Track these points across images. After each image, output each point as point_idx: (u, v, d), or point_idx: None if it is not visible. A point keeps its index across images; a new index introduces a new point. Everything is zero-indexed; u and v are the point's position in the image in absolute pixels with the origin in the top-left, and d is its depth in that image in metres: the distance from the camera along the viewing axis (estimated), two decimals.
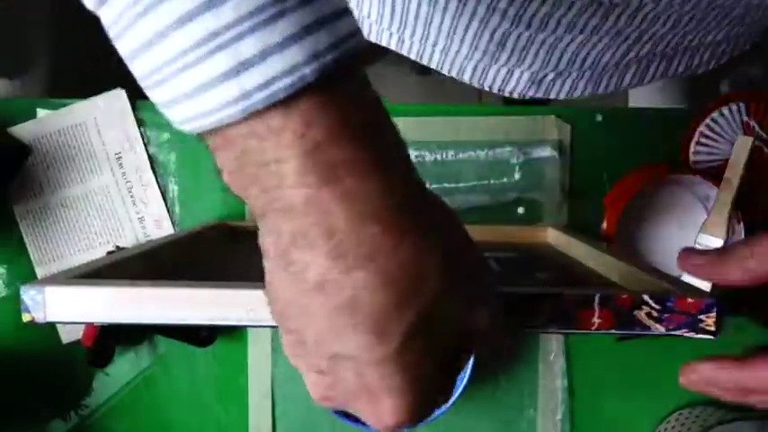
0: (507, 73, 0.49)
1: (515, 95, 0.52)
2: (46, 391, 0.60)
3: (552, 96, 0.51)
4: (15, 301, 0.58)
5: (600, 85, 0.50)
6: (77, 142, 0.60)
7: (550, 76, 0.49)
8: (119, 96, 0.59)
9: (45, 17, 0.52)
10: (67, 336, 0.59)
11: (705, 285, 0.57)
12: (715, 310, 0.30)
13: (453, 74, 0.51)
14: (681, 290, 0.31)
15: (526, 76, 0.49)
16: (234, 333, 0.60)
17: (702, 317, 0.30)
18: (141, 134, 0.60)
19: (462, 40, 0.48)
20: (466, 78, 0.51)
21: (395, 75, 1.33)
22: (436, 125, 0.60)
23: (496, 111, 0.60)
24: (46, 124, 0.59)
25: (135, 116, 0.60)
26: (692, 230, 0.59)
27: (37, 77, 1.18)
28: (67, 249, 0.60)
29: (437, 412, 0.52)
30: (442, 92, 1.33)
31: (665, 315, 0.30)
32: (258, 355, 0.60)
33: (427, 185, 0.61)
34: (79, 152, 0.60)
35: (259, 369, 0.60)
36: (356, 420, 0.53)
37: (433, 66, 0.52)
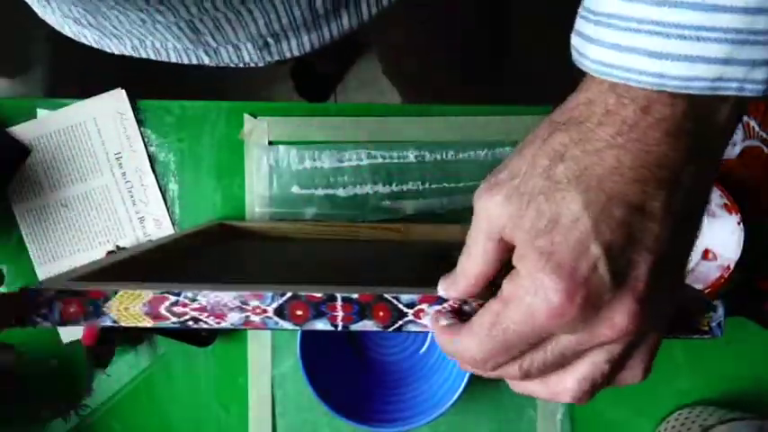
0: (234, 48, 0.50)
1: (257, 64, 0.52)
2: (46, 391, 0.60)
3: (288, 56, 0.52)
4: None
5: (324, 35, 0.50)
6: (77, 142, 0.60)
7: (270, 40, 0.49)
8: (119, 96, 0.60)
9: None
10: (67, 336, 0.60)
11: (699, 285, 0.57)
12: (710, 311, 0.30)
13: (195, 62, 0.52)
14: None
15: (250, 46, 0.50)
16: (234, 333, 0.60)
17: (697, 317, 0.30)
18: (141, 134, 0.60)
19: (166, 35, 0.48)
20: (206, 62, 0.52)
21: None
22: (436, 125, 0.60)
23: (496, 111, 0.60)
24: (46, 124, 0.59)
25: (135, 116, 0.60)
26: None
27: (37, 77, 1.18)
28: (67, 249, 0.60)
29: (437, 412, 0.52)
30: None
31: None
32: (258, 355, 0.60)
33: (427, 186, 0.61)
34: (79, 152, 0.60)
35: (259, 369, 0.60)
36: (356, 420, 0.53)
37: (173, 61, 0.52)
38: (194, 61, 0.52)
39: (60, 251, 0.60)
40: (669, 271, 0.26)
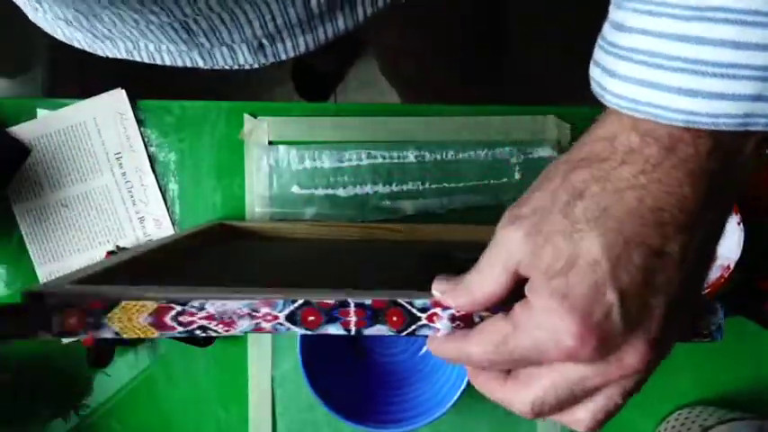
0: (229, 50, 0.50)
1: (252, 66, 0.52)
2: (46, 391, 0.60)
3: (284, 57, 0.52)
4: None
5: (319, 36, 0.50)
6: (77, 142, 0.60)
7: (265, 41, 0.49)
8: (119, 96, 0.60)
9: None
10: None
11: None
12: (710, 314, 0.30)
13: (189, 65, 0.51)
14: None
15: (245, 48, 0.49)
16: None
17: (697, 321, 0.30)
18: (141, 134, 0.60)
19: (159, 36, 0.48)
20: (201, 65, 0.51)
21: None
22: (436, 125, 0.60)
23: (497, 111, 0.60)
24: (46, 124, 0.59)
25: (135, 116, 0.60)
26: None
27: (37, 77, 1.18)
28: (67, 249, 0.60)
29: (438, 413, 0.52)
30: None
31: None
32: (258, 355, 0.60)
33: (427, 186, 0.61)
34: (79, 152, 0.60)
35: (259, 369, 0.60)
36: (356, 421, 0.53)
37: (167, 64, 0.52)
38: (189, 64, 0.51)
39: (60, 251, 0.60)
40: (682, 311, 0.26)
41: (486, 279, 0.27)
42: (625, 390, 0.27)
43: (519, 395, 0.27)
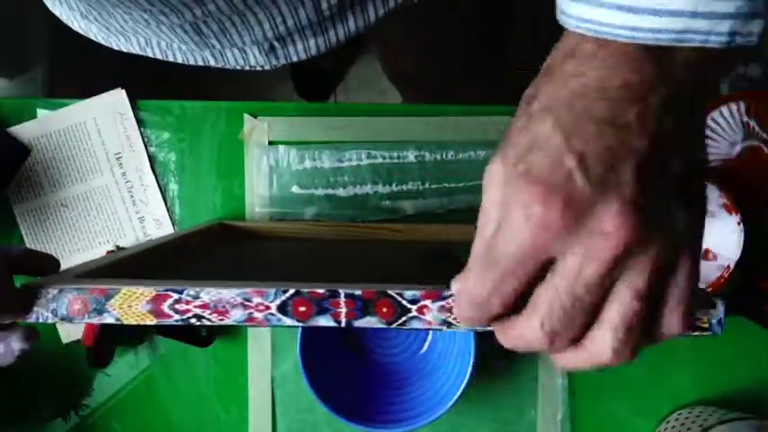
0: (240, 52, 0.50)
1: (263, 68, 0.52)
2: (46, 391, 0.60)
3: (295, 59, 0.52)
4: None
5: (330, 38, 0.50)
6: (77, 142, 0.60)
7: (276, 44, 0.49)
8: (119, 96, 0.60)
9: (45, 17, 0.52)
10: (67, 336, 0.60)
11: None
12: (710, 308, 0.30)
13: (201, 63, 0.52)
14: None
15: (255, 50, 0.50)
16: (234, 333, 0.60)
17: (698, 314, 0.30)
18: (141, 134, 0.60)
19: (171, 36, 0.48)
20: (212, 64, 0.52)
21: None
22: (436, 125, 0.60)
23: (497, 111, 0.60)
24: (46, 124, 0.59)
25: (135, 116, 0.60)
26: None
27: (37, 77, 1.18)
28: (68, 249, 0.60)
29: (438, 413, 0.52)
30: None
31: None
32: (258, 355, 0.60)
33: (427, 186, 0.61)
34: (79, 152, 0.60)
35: (259, 369, 0.60)
36: (356, 421, 0.53)
37: (179, 61, 0.52)
38: (200, 63, 0.52)
39: (60, 251, 0.60)
40: (672, 179, 0.25)
41: (481, 227, 0.27)
42: (638, 289, 0.25)
43: (529, 323, 0.26)
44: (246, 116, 0.60)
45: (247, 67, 0.52)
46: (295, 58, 0.51)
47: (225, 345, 0.60)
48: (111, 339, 0.57)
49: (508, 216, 0.25)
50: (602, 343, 0.25)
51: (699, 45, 0.25)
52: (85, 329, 0.54)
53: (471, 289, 0.27)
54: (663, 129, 0.25)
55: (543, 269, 0.25)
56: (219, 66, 0.52)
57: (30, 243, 0.60)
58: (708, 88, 0.27)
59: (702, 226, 0.27)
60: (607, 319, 0.25)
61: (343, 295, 0.29)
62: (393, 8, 0.50)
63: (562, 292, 0.25)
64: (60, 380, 0.60)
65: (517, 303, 0.26)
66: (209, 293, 0.29)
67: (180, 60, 0.51)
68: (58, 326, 0.59)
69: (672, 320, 0.26)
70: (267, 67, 0.52)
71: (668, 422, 0.59)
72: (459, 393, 0.52)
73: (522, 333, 0.26)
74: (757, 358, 0.60)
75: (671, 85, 0.25)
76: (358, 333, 0.60)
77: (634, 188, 0.24)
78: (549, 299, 0.25)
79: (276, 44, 0.49)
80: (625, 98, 0.25)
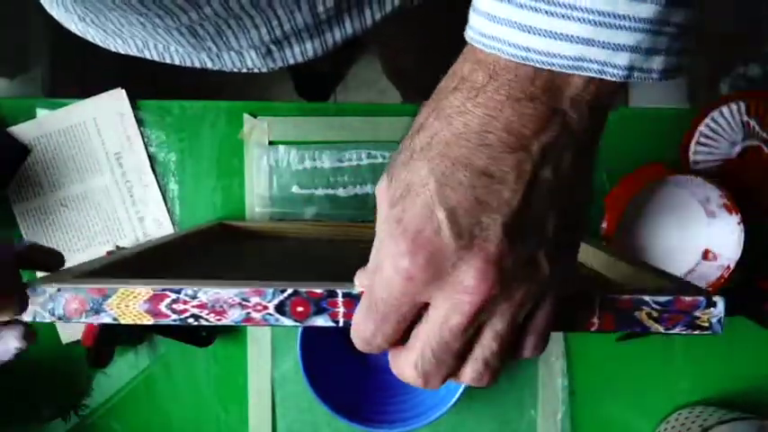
0: (237, 55, 0.50)
1: (261, 70, 0.52)
2: (46, 391, 0.60)
3: (292, 62, 0.51)
4: None
5: (327, 41, 0.50)
6: (77, 142, 0.60)
7: (273, 47, 0.49)
8: (119, 96, 0.59)
9: (45, 17, 0.52)
10: (67, 336, 0.60)
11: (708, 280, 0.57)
12: (710, 307, 0.30)
13: (198, 65, 0.52)
14: (679, 288, 0.32)
15: (253, 53, 0.50)
16: (234, 333, 0.60)
17: (698, 313, 0.30)
18: (141, 134, 0.60)
19: (167, 38, 0.48)
20: (210, 66, 0.52)
21: None
22: None
23: None
24: (46, 124, 0.59)
25: (135, 116, 0.60)
26: (691, 230, 0.59)
27: (37, 77, 1.18)
28: (67, 249, 0.60)
29: (437, 413, 0.52)
30: None
31: (665, 315, 0.30)
32: (258, 355, 0.60)
33: None
34: (79, 152, 0.60)
35: (259, 369, 0.60)
36: (356, 421, 0.53)
37: (176, 63, 0.52)
38: (197, 65, 0.52)
39: (60, 251, 0.60)
40: (531, 236, 0.25)
41: (374, 247, 0.27)
42: (495, 331, 0.26)
43: (406, 360, 0.27)
44: (246, 116, 0.60)
45: (245, 70, 0.52)
46: (292, 61, 0.51)
47: (225, 345, 0.60)
48: (111, 339, 0.57)
49: (381, 264, 0.26)
50: (465, 375, 0.28)
51: (593, 75, 0.24)
52: (85, 330, 0.54)
53: (358, 327, 0.28)
54: (540, 181, 0.25)
55: (421, 310, 0.27)
56: (216, 68, 0.52)
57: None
58: (594, 133, 0.26)
59: (572, 270, 0.28)
60: (471, 358, 0.27)
61: (340, 295, 0.29)
62: (390, 11, 0.50)
63: (432, 338, 0.26)
64: (60, 380, 0.60)
65: (404, 336, 0.28)
66: (207, 293, 0.29)
67: (177, 62, 0.51)
68: (58, 326, 0.59)
69: (527, 348, 0.28)
70: (264, 70, 0.52)
71: (668, 422, 0.59)
72: (459, 393, 0.52)
73: (402, 370, 0.28)
74: (757, 358, 0.60)
75: (555, 130, 0.25)
76: None
77: (499, 245, 0.24)
78: (422, 344, 0.27)
79: (273, 47, 0.49)
80: (506, 145, 0.24)
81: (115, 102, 0.59)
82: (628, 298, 0.30)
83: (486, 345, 0.27)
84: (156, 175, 0.60)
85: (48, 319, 0.30)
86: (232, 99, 0.61)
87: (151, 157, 0.60)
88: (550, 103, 0.24)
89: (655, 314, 0.30)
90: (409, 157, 0.26)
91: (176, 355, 0.60)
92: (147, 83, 0.65)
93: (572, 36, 0.23)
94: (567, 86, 0.24)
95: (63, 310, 0.30)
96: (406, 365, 0.27)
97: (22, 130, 0.59)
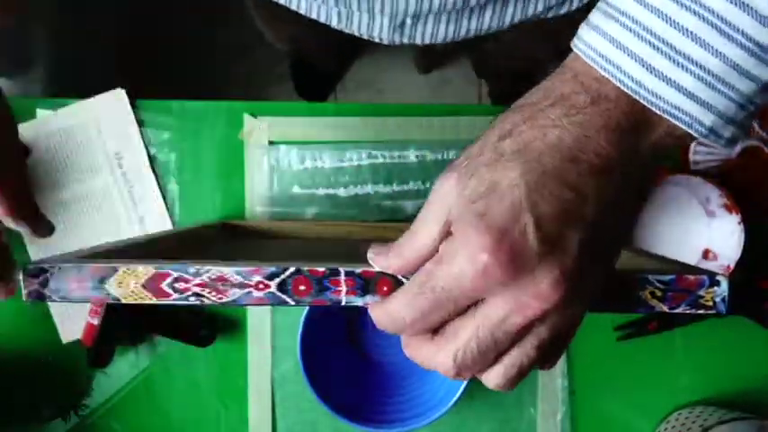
0: (369, 18, 0.49)
1: (383, 41, 0.52)
2: (46, 391, 0.60)
3: (418, 41, 0.51)
4: (15, 301, 0.58)
5: (461, 29, 0.50)
6: (77, 142, 0.60)
7: (408, 21, 0.49)
8: (119, 96, 0.59)
9: (45, 17, 0.52)
10: (67, 336, 0.59)
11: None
12: (714, 286, 0.30)
13: (323, 20, 0.51)
14: (682, 269, 0.32)
15: (386, 21, 0.49)
16: (234, 333, 0.60)
17: (702, 292, 0.30)
18: (141, 134, 0.60)
19: None
20: (334, 24, 0.51)
21: (397, 74, 1.33)
22: (436, 125, 0.60)
23: (496, 111, 0.60)
24: (46, 124, 0.59)
25: (135, 116, 0.60)
26: (691, 230, 0.59)
27: (37, 77, 1.18)
28: (68, 249, 0.60)
29: (437, 413, 0.52)
30: (442, 92, 1.33)
31: (669, 294, 0.30)
32: (258, 355, 0.60)
33: (428, 186, 0.61)
34: (79, 152, 0.60)
35: (259, 369, 0.60)
36: (356, 421, 0.53)
37: (301, 12, 0.52)
38: (322, 19, 0.51)
39: (60, 251, 0.60)
40: (599, 256, 0.27)
41: (416, 235, 0.27)
42: (540, 339, 0.27)
43: (443, 349, 0.27)
44: (246, 116, 0.60)
45: (366, 36, 0.51)
46: (419, 41, 0.51)
47: (225, 345, 0.60)
48: (111, 339, 0.57)
49: (454, 253, 0.26)
50: (492, 377, 0.28)
51: (682, 126, 0.25)
52: (85, 329, 0.54)
53: (394, 308, 0.27)
54: (614, 207, 0.26)
55: (472, 304, 0.27)
56: (339, 28, 0.51)
57: (29, 243, 0.60)
58: (653, 176, 0.28)
59: (601, 284, 0.29)
60: (506, 361, 0.28)
61: (343, 273, 0.29)
62: (525, 20, 0.50)
63: (483, 333, 0.26)
64: (60, 380, 0.60)
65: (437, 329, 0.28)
66: (209, 272, 0.29)
67: (303, 10, 0.51)
68: (58, 326, 0.59)
69: (553, 360, 0.29)
70: (386, 42, 0.51)
71: (668, 422, 0.59)
72: (459, 393, 0.52)
73: (432, 356, 0.28)
74: (757, 358, 0.60)
75: (636, 164, 0.26)
76: (358, 333, 0.60)
77: (576, 259, 0.25)
78: (468, 336, 0.27)
79: (409, 21, 0.49)
80: (594, 167, 0.25)
81: (115, 102, 0.59)
82: (631, 277, 0.30)
83: (526, 351, 0.27)
84: (156, 175, 0.60)
85: (50, 298, 0.30)
86: (232, 99, 0.61)
87: (151, 157, 0.60)
88: (638, 142, 0.26)
89: (658, 293, 0.30)
90: (496, 159, 0.26)
91: (176, 355, 0.60)
92: (148, 83, 0.65)
93: (681, 86, 0.25)
94: (657, 128, 0.26)
95: (65, 289, 0.30)
96: (442, 354, 0.27)
97: (22, 130, 0.59)
